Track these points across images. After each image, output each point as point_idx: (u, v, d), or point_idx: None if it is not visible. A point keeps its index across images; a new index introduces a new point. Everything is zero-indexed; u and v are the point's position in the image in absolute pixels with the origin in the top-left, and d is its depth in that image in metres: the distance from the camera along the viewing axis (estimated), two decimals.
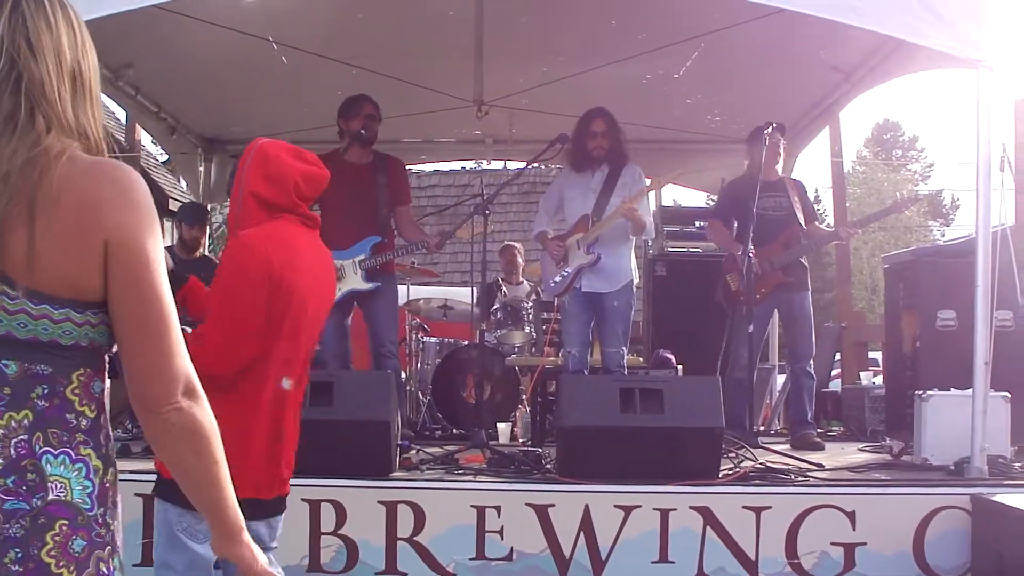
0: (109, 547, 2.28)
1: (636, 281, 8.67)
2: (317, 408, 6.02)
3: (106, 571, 2.26)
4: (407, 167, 9.22)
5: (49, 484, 2.19)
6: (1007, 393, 6.88)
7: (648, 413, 6.33)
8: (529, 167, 10.34)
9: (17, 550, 2.14)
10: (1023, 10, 6.73)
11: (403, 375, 9.50)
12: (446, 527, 6.06)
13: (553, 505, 6.09)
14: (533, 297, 10.56)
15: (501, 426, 8.70)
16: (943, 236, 44.82)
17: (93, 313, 2.24)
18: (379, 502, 6.04)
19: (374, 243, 8.02)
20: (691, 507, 6.08)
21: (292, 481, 5.72)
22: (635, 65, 9.41)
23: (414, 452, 7.27)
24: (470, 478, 6.50)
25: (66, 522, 2.19)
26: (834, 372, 13.41)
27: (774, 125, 8.48)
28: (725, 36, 8.35)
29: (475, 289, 8.96)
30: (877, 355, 15.31)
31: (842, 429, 10.44)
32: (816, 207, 9.63)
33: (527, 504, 6.10)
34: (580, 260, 8.21)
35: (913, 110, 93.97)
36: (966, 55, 6.57)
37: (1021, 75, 6.89)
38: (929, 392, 7.13)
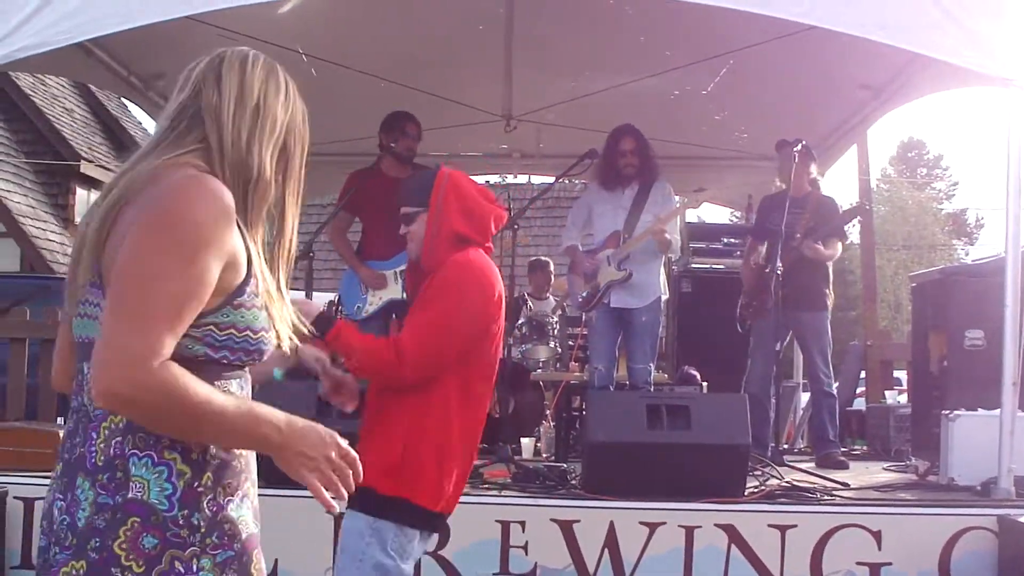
0: (193, 548, 2.40)
1: (665, 297, 8.66)
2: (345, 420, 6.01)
3: (182, 570, 2.38)
4: None
5: (131, 484, 2.37)
6: None
7: (675, 430, 6.31)
8: (557, 182, 10.37)
9: (97, 540, 2.34)
10: None
11: None
12: (470, 542, 6.04)
13: (578, 521, 6.07)
14: (559, 312, 10.55)
15: (525, 441, 8.67)
16: (967, 255, 44.69)
17: None
18: None
19: None
20: (716, 525, 6.06)
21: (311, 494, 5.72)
22: (663, 81, 9.42)
23: None
24: (495, 493, 6.49)
25: (138, 519, 2.36)
26: (859, 390, 13.36)
27: (803, 143, 8.47)
28: (754, 53, 8.33)
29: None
30: (901, 374, 15.26)
31: (866, 448, 10.39)
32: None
33: (552, 520, 6.08)
34: (611, 276, 8.22)
35: (938, 128, 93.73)
36: (997, 73, 6.53)
37: None
38: (956, 412, 7.10)
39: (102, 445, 2.38)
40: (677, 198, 8.73)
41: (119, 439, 2.38)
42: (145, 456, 2.38)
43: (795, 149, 8.36)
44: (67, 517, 2.37)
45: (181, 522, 2.39)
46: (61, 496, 2.41)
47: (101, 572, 2.33)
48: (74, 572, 2.34)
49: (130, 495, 2.36)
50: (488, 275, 4.21)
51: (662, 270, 8.64)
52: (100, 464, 2.37)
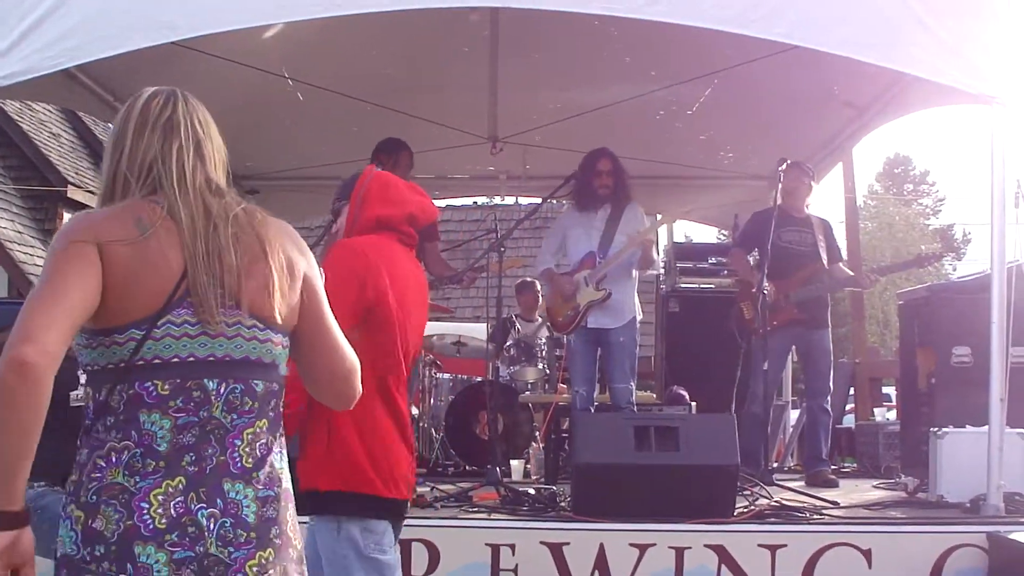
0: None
1: (639, 317, 8.63)
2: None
3: (301, 547, 2.87)
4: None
5: (279, 476, 2.79)
6: (1023, 430, 6.85)
7: (663, 451, 6.30)
8: (544, 203, 10.38)
9: (276, 527, 2.73)
10: None
11: (416, 412, 9.46)
12: (460, 565, 6.02)
13: (568, 543, 6.04)
14: (547, 334, 10.54)
15: (514, 463, 8.66)
16: (955, 270, 44.72)
17: (285, 338, 2.84)
18: None
19: None
20: (706, 545, 6.03)
21: None
22: (648, 101, 9.44)
23: (428, 489, 7.25)
24: (484, 516, 6.48)
25: (292, 504, 2.83)
26: (847, 407, 13.36)
27: (788, 162, 8.48)
28: (738, 72, 8.36)
29: (489, 325, 8.93)
30: (890, 390, 15.25)
31: (856, 466, 10.39)
32: None
33: (541, 542, 6.05)
34: (591, 296, 8.23)
35: (924, 144, 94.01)
36: (981, 91, 6.55)
37: None
38: (944, 429, 7.10)
39: (247, 449, 2.72)
40: (647, 218, 8.76)
41: (264, 441, 2.76)
42: (279, 451, 2.82)
43: (780, 168, 8.37)
44: (229, 519, 2.65)
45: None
46: (204, 504, 2.63)
47: (284, 554, 2.74)
48: (263, 561, 2.68)
49: (284, 484, 2.80)
50: (372, 256, 4.11)
51: (635, 291, 8.64)
52: (250, 465, 2.71)
